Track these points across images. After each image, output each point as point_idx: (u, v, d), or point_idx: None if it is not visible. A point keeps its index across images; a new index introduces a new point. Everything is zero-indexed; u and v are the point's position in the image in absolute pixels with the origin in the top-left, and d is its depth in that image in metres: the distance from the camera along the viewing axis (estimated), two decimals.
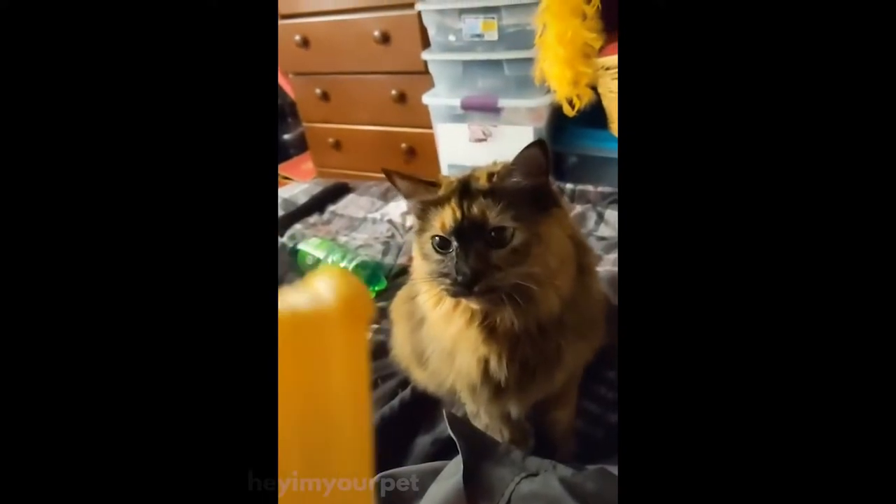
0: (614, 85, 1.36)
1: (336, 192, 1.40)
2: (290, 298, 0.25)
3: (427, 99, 1.61)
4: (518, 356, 0.59)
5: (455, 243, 0.55)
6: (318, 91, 1.91)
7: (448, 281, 0.54)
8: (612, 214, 1.15)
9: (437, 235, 0.57)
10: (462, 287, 0.52)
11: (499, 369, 0.59)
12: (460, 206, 0.56)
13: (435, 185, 0.59)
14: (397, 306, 0.79)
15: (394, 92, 1.76)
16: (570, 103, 1.32)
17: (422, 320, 0.67)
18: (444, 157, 1.71)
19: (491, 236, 0.54)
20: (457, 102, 1.54)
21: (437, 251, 0.57)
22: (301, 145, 2.34)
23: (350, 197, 1.39)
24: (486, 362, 0.60)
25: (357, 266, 1.00)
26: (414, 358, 0.73)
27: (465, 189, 0.57)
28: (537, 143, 0.55)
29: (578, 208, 1.18)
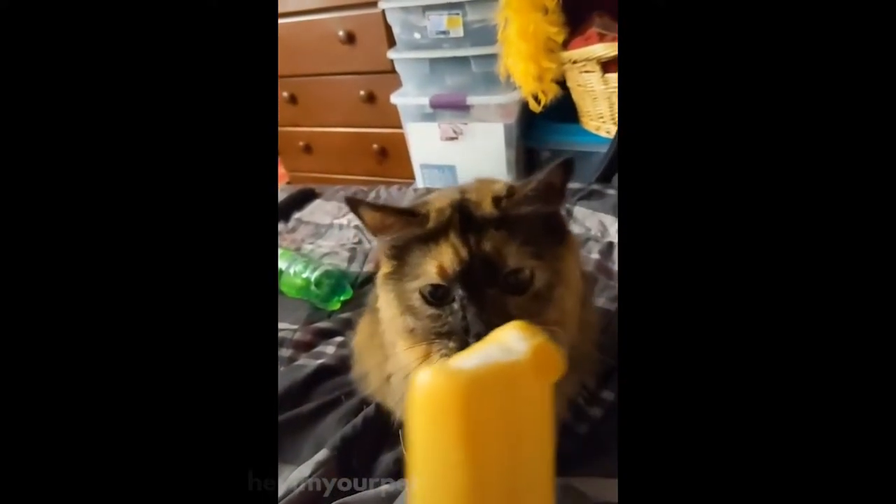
0: (582, 78, 1.33)
1: (301, 199, 1.37)
2: (487, 351, 0.25)
3: (395, 98, 1.58)
4: None
5: (460, 292, 0.44)
6: (285, 94, 1.87)
7: (453, 343, 0.43)
8: (581, 211, 1.12)
9: (431, 284, 0.46)
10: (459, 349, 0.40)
11: None
12: (465, 243, 0.44)
13: (416, 214, 0.47)
14: (364, 339, 0.70)
15: (362, 92, 1.73)
16: (536, 99, 1.30)
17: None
18: (416, 156, 1.68)
19: (507, 281, 0.44)
20: (426, 101, 1.52)
21: (430, 304, 0.46)
22: None
23: (316, 203, 1.35)
24: None
25: (321, 276, 0.97)
26: (386, 386, 0.65)
27: (466, 218, 0.46)
28: (564, 164, 0.45)
29: None
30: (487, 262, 0.44)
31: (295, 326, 0.93)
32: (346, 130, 1.87)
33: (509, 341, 0.26)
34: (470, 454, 0.22)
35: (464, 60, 1.46)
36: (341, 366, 0.82)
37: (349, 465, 0.67)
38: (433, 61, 1.50)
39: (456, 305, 0.44)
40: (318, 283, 0.97)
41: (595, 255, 0.97)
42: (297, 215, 1.31)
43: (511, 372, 0.24)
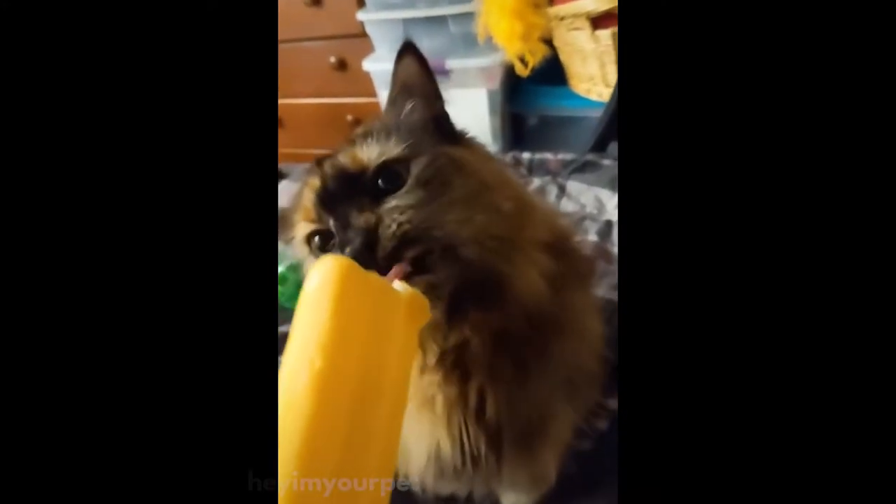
0: (570, 36, 1.21)
1: None
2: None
3: (368, 65, 1.46)
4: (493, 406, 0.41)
5: (329, 220, 0.39)
6: None
7: None
8: (574, 186, 1.02)
9: (308, 234, 0.41)
10: (355, 257, 0.34)
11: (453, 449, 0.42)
12: (318, 175, 0.41)
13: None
14: None
15: (332, 59, 1.61)
16: (523, 61, 1.18)
17: None
18: None
19: (375, 184, 0.39)
20: None
21: (319, 254, 0.41)
22: None
23: (282, 185, 1.23)
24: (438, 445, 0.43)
25: (286, 271, 0.87)
26: None
27: (318, 162, 0.43)
28: (405, 48, 0.43)
29: (537, 182, 1.05)
30: (342, 175, 0.40)
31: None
32: (317, 101, 1.74)
33: (394, 284, 0.30)
34: (336, 319, 0.25)
35: (441, 20, 1.34)
36: None
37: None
38: (407, 22, 1.38)
39: (334, 240, 0.39)
40: (282, 280, 0.86)
41: (592, 237, 0.88)
42: None
43: (388, 290, 0.28)
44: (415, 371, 0.41)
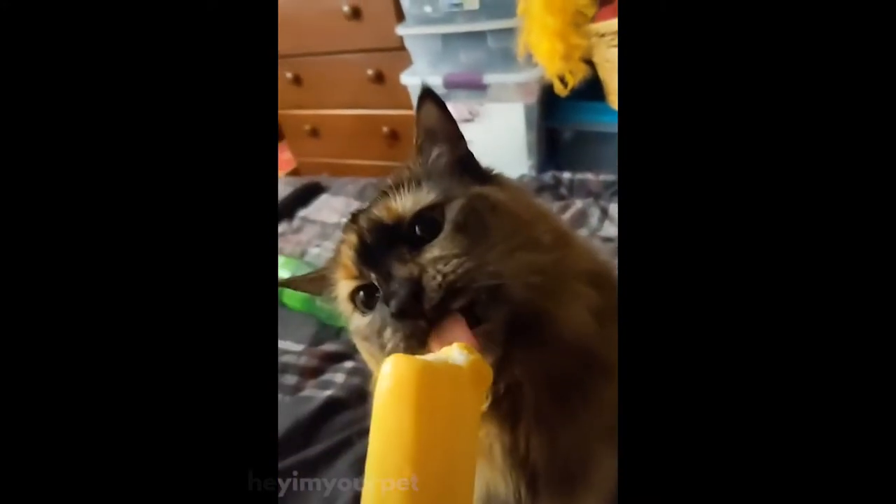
0: (611, 53, 1.20)
1: (307, 194, 1.26)
2: (436, 356, 0.31)
3: (406, 78, 1.46)
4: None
5: (371, 274, 0.39)
6: (288, 75, 1.75)
7: (392, 330, 0.36)
8: (618, 209, 1.01)
9: (352, 292, 0.41)
10: (402, 308, 0.34)
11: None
12: (355, 231, 0.40)
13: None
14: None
15: (370, 72, 1.61)
16: (563, 81, 1.17)
17: None
18: None
19: (412, 232, 0.38)
20: (438, 80, 1.40)
21: (366, 311, 0.40)
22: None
23: (323, 198, 1.25)
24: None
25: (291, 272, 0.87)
26: None
27: (353, 218, 0.43)
28: (424, 95, 0.43)
29: (579, 204, 1.03)
30: (378, 227, 0.39)
31: (300, 347, 0.84)
32: (354, 112, 1.75)
33: (453, 354, 0.30)
34: (420, 425, 0.26)
35: (479, 35, 1.33)
36: (352, 398, 0.73)
37: None
38: (446, 37, 1.38)
39: (378, 293, 0.38)
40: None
41: None
42: (301, 213, 1.21)
43: (454, 371, 0.29)
44: None
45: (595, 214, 0.99)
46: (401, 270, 0.36)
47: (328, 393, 0.74)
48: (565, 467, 0.42)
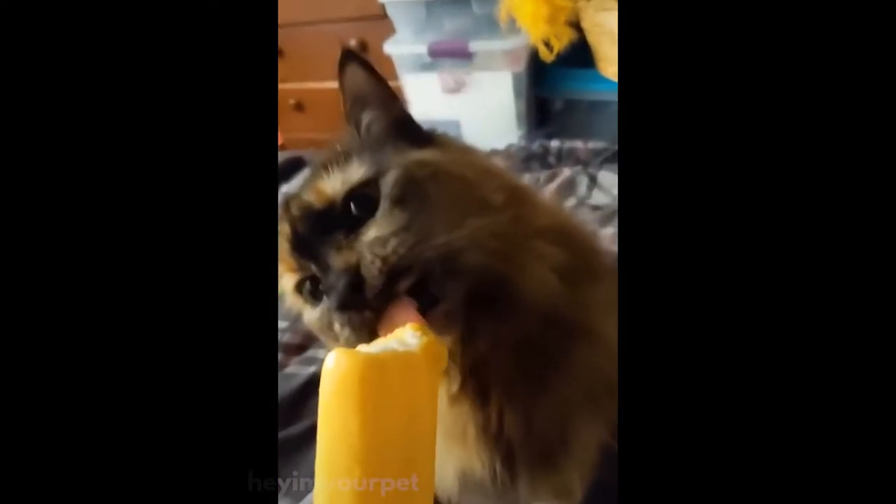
0: (600, 17, 1.16)
1: (288, 169, 1.23)
2: (387, 343, 0.29)
3: (389, 47, 1.42)
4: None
5: (312, 265, 0.36)
6: None
7: (339, 323, 0.34)
8: (606, 176, 0.98)
9: (296, 284, 0.38)
10: (343, 302, 0.32)
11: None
12: (287, 220, 0.37)
13: None
14: None
15: (353, 42, 1.57)
16: (548, 45, 1.13)
17: None
18: (415, 112, 1.52)
19: (349, 212, 0.36)
20: (423, 49, 1.36)
21: (315, 302, 0.38)
22: None
23: (304, 173, 1.22)
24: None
25: None
26: None
27: (286, 204, 0.39)
28: (345, 58, 0.40)
29: (567, 172, 1.01)
30: (310, 214, 0.36)
31: (284, 324, 0.83)
32: (337, 85, 1.71)
33: (405, 337, 0.29)
34: (367, 424, 0.26)
35: (464, 1, 1.30)
36: None
37: None
38: (429, 4, 1.34)
39: (320, 284, 0.36)
40: None
41: None
42: (283, 189, 1.18)
43: (405, 358, 0.28)
44: (442, 404, 0.38)
45: (584, 182, 0.97)
46: (337, 260, 0.33)
47: (312, 369, 0.73)
48: (543, 440, 0.40)
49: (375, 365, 0.27)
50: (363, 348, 0.29)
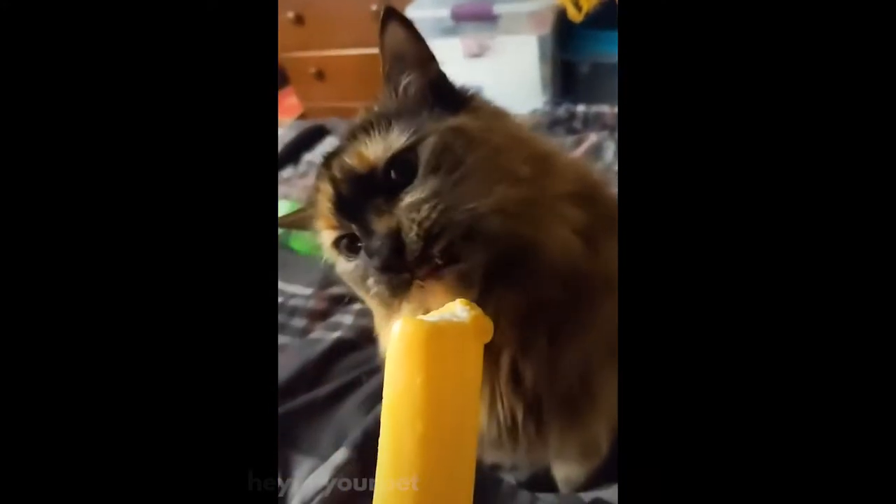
0: None
1: (311, 137, 1.23)
2: (442, 314, 0.32)
3: (412, 11, 1.39)
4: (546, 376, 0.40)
5: (352, 225, 0.38)
6: (290, 14, 1.68)
7: (376, 280, 0.36)
8: None
9: (335, 240, 0.41)
10: (386, 265, 0.34)
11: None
12: (329, 180, 0.39)
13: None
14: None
15: (374, 7, 1.54)
16: (576, 5, 1.09)
17: None
18: None
19: (389, 178, 0.37)
20: (446, 13, 1.33)
21: (350, 256, 0.40)
22: (281, 79, 2.11)
23: (328, 141, 1.21)
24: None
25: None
26: None
27: (326, 163, 0.42)
28: (387, 15, 0.40)
29: (593, 137, 0.98)
30: (353, 178, 0.38)
31: (309, 290, 0.83)
32: (359, 52, 1.69)
33: (456, 310, 0.32)
34: (428, 381, 0.28)
35: None
36: (361, 339, 0.73)
37: (372, 465, 0.58)
38: None
39: (360, 243, 0.38)
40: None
41: None
42: (307, 157, 1.18)
43: (459, 328, 0.31)
44: None
45: (610, 148, 0.95)
46: (379, 225, 0.35)
47: (337, 334, 0.73)
48: (567, 393, 0.42)
49: (436, 331, 0.30)
50: (423, 318, 0.32)
